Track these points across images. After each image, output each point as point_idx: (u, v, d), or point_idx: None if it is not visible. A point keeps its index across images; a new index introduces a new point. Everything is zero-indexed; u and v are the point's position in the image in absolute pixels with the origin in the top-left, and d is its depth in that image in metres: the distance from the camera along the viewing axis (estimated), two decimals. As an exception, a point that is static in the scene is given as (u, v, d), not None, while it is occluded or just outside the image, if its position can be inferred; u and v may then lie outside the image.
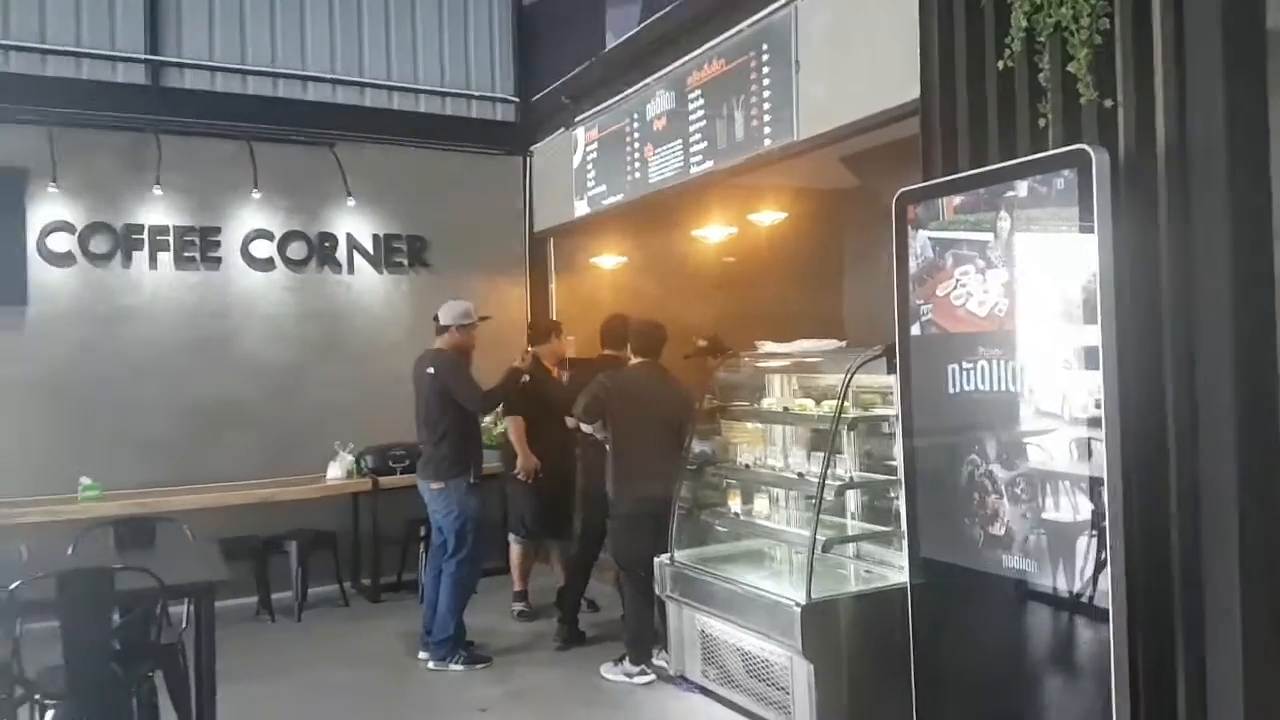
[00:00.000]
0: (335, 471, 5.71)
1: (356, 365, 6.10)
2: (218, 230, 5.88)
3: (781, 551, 3.83)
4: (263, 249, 6.00)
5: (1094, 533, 2.43)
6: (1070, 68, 2.64)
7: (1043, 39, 2.72)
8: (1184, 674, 2.41)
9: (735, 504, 3.92)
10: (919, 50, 3.19)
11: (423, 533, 5.28)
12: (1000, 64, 2.86)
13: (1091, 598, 2.44)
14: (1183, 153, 2.44)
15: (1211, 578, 2.36)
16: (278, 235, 6.04)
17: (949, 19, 3.07)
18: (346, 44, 6.33)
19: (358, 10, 6.35)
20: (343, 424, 5.86)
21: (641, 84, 5.38)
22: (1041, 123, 2.75)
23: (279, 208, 6.03)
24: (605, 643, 4.61)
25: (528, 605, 5.26)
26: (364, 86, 6.35)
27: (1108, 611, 2.38)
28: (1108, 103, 2.58)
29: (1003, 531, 2.69)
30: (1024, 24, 2.75)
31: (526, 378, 4.76)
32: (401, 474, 5.54)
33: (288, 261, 6.08)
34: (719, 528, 3.97)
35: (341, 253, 6.24)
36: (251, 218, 5.97)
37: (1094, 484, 2.43)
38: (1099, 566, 2.41)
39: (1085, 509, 2.46)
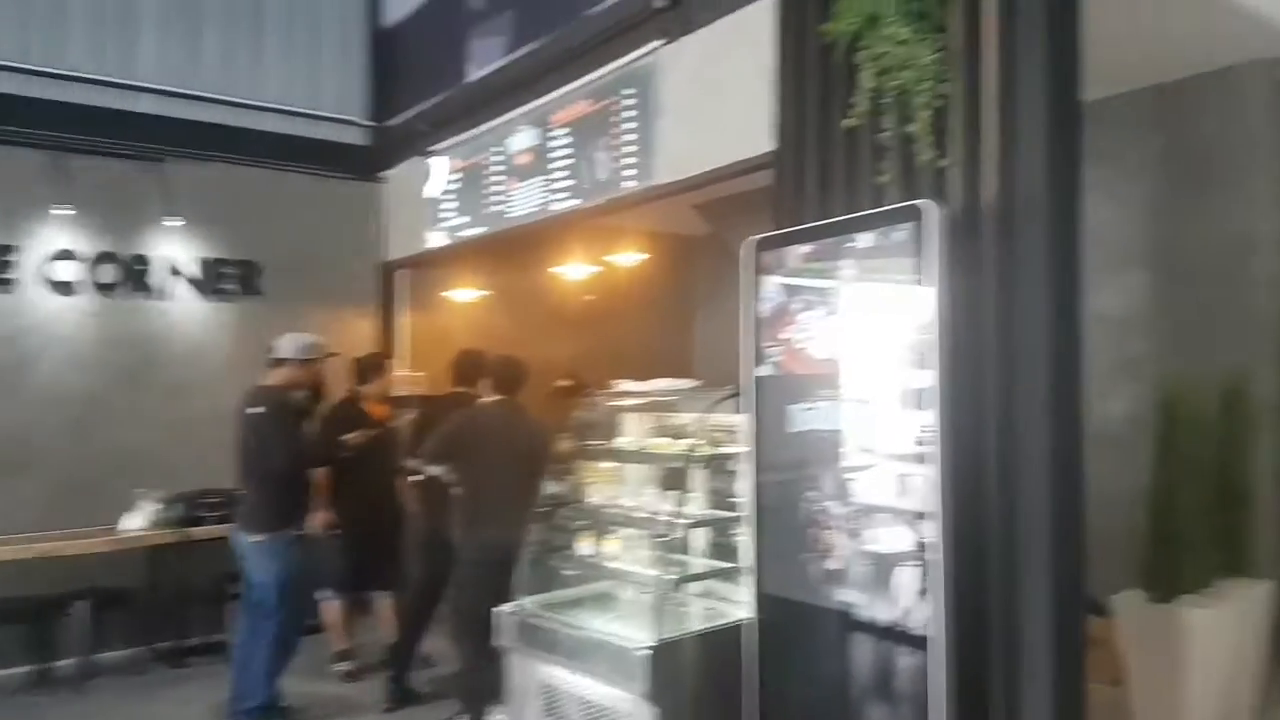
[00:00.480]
0: (135, 521, 5.45)
1: (169, 401, 5.89)
2: (13, 249, 5.60)
3: (630, 593, 3.97)
4: (68, 271, 5.75)
5: (919, 564, 2.72)
6: (910, 129, 3.01)
7: (887, 100, 3.09)
8: (999, 701, 2.71)
9: (585, 546, 4.05)
10: (774, 105, 3.53)
11: (237, 589, 5.11)
12: (852, 122, 3.21)
13: (916, 628, 2.71)
14: (1008, 210, 2.82)
15: (1026, 607, 2.69)
16: (86, 256, 5.81)
17: (803, 77, 3.44)
18: (183, 54, 6.25)
19: (197, 20, 6.28)
20: (149, 466, 5.63)
21: (505, 117, 5.59)
22: (884, 178, 3.11)
23: (91, 227, 5.82)
24: (440, 700, 4.59)
25: (353, 663, 5.16)
26: (200, 100, 6.25)
27: (936, 642, 2.65)
28: (943, 162, 2.96)
29: (837, 565, 2.96)
30: (871, 85, 3.12)
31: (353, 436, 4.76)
32: (216, 524, 5.35)
33: (97, 285, 5.84)
34: (568, 571, 4.08)
35: (161, 277, 6.05)
36: (56, 236, 5.72)
37: (920, 518, 2.73)
38: (922, 597, 2.70)
39: (911, 542, 2.75)
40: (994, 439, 2.78)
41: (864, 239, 2.98)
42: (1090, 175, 2.92)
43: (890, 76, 3.03)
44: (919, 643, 2.70)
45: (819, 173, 3.37)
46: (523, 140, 5.46)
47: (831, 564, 2.98)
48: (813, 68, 3.39)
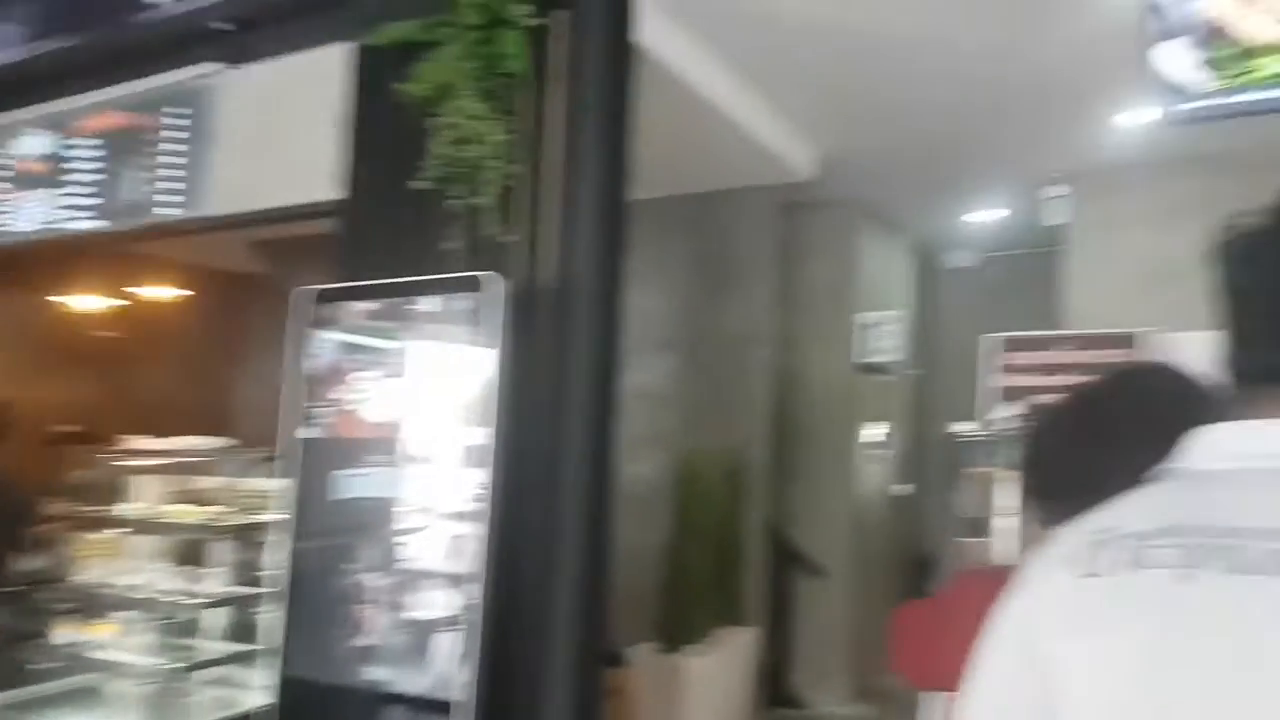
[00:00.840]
0: None
1: None
2: None
3: (125, 686, 3.39)
4: None
5: (458, 629, 2.67)
6: (480, 201, 3.04)
7: (459, 170, 3.09)
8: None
9: (69, 632, 3.37)
10: (345, 154, 3.37)
11: None
12: (422, 184, 3.16)
13: (449, 695, 2.65)
14: (565, 288, 2.96)
15: (552, 662, 2.77)
16: None
17: (376, 131, 3.33)
18: None
19: None
20: None
21: (13, 116, 4.66)
22: (453, 245, 3.10)
23: None
24: None
25: None
26: None
27: (462, 707, 2.60)
28: (509, 238, 3.03)
29: (374, 640, 2.81)
30: (443, 152, 3.09)
31: None
32: None
33: None
34: (42, 664, 3.37)
35: None
36: None
37: (464, 581, 2.69)
38: (461, 664, 2.65)
39: (453, 606, 2.71)
40: (538, 499, 2.86)
41: (427, 302, 2.93)
42: (634, 266, 3.20)
43: (462, 147, 3.04)
44: (450, 709, 2.63)
45: (387, 230, 3.26)
46: (34, 145, 4.59)
47: (368, 639, 2.81)
48: (386, 123, 3.30)
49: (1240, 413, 0.92)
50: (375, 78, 3.33)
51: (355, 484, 2.94)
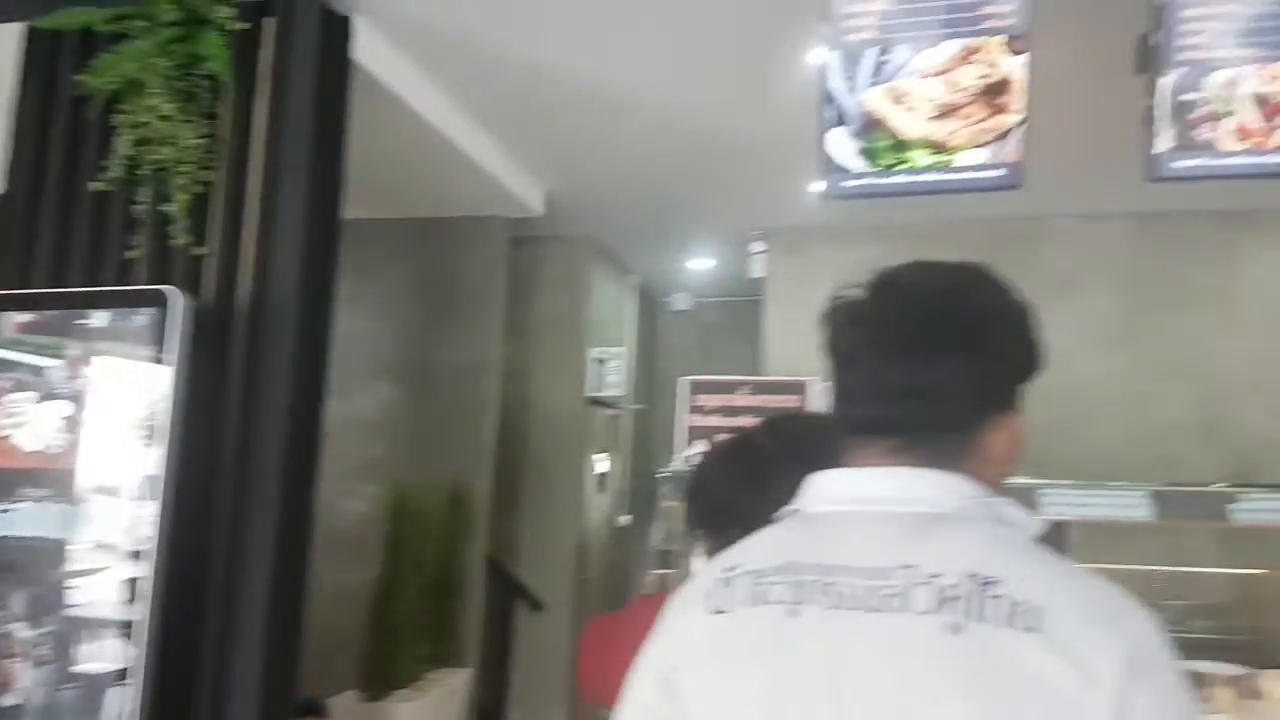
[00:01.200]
0: None
1: None
2: None
3: None
4: None
5: (127, 683, 2.41)
6: (168, 208, 2.79)
7: (145, 172, 2.83)
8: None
9: None
10: (8, 145, 3.01)
11: None
12: (102, 185, 2.86)
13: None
14: (261, 308, 2.79)
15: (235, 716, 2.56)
16: None
17: (48, 122, 3.00)
18: None
19: None
20: None
21: None
22: (135, 253, 2.83)
23: None
24: None
25: None
26: None
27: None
28: (200, 250, 2.81)
29: (21, 699, 2.49)
30: (128, 153, 2.82)
31: None
32: None
33: None
34: None
35: None
36: None
37: (133, 631, 2.45)
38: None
39: (123, 658, 2.45)
40: (224, 537, 2.66)
41: (100, 317, 2.65)
42: (349, 288, 3.07)
43: (150, 149, 2.79)
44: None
45: (57, 233, 2.94)
46: None
47: (14, 698, 2.49)
48: (62, 115, 2.98)
49: (846, 460, 1.03)
50: (52, 65, 3.00)
51: (6, 521, 2.59)
